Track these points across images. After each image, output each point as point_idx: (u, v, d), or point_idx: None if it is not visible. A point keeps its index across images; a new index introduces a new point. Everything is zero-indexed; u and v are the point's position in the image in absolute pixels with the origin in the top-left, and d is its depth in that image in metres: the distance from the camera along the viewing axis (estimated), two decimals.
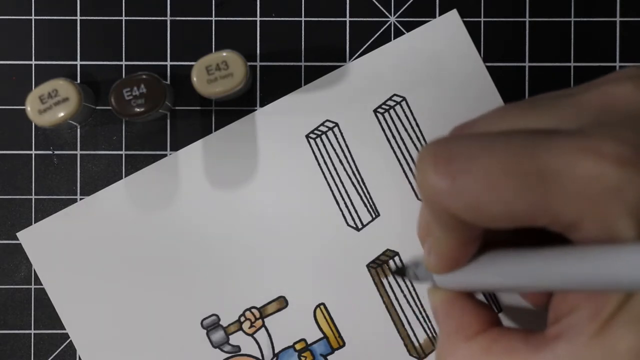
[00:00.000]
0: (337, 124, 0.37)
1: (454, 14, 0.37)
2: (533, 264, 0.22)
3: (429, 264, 0.26)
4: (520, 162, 0.20)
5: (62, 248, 0.36)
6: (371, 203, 0.37)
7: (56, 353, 0.36)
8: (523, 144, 0.21)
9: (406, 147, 0.37)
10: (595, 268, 0.19)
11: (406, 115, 0.37)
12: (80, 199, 0.37)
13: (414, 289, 0.36)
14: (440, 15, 0.37)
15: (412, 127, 0.37)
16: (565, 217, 0.20)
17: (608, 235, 0.20)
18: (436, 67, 0.37)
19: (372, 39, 0.37)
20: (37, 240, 0.36)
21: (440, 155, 0.22)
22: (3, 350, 0.36)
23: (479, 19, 0.37)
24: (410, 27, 0.37)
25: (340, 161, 0.37)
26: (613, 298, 0.20)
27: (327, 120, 0.37)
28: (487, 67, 0.37)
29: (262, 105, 0.37)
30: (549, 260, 0.21)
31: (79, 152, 0.37)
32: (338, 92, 0.37)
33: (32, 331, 0.36)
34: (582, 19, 0.37)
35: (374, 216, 0.37)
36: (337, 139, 0.37)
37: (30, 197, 0.37)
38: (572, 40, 0.37)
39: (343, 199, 0.37)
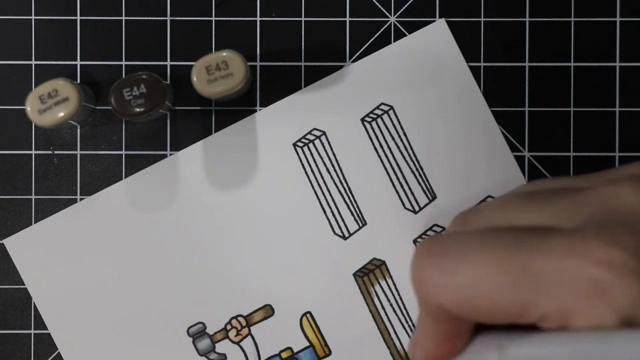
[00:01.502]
0: (324, 133, 0.37)
1: (441, 23, 0.37)
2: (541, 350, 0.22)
3: (414, 356, 0.26)
4: (510, 260, 0.21)
5: (47, 254, 0.36)
6: (358, 212, 0.37)
7: (56, 353, 0.36)
8: (514, 243, 0.21)
9: (393, 156, 0.37)
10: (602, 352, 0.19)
11: (393, 124, 0.37)
12: (81, 199, 0.37)
13: (401, 298, 0.36)
14: (440, 16, 0.37)
15: (399, 136, 0.37)
16: (555, 314, 0.21)
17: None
18: (423, 76, 0.37)
19: (372, 39, 0.37)
20: (24, 246, 0.36)
21: (435, 250, 0.23)
22: (3, 350, 0.36)
23: (479, 19, 0.37)
24: (410, 27, 0.37)
25: (327, 170, 0.37)
26: None
27: (314, 129, 0.37)
28: (487, 67, 0.37)
29: (262, 105, 0.37)
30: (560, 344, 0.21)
31: (79, 152, 0.37)
32: (325, 100, 0.37)
33: (32, 331, 0.36)
34: (582, 19, 0.37)
35: (360, 225, 0.37)
36: (324, 147, 0.37)
37: (30, 197, 0.37)
38: (572, 40, 0.37)
39: (330, 208, 0.37)
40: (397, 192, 0.37)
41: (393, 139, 0.37)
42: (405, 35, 0.37)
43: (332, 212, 0.37)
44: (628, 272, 0.19)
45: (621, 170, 0.24)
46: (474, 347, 0.24)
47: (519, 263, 0.21)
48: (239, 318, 0.36)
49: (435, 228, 0.37)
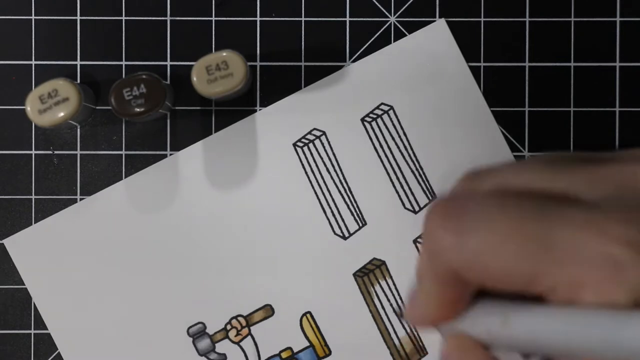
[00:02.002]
0: (324, 133, 0.37)
1: (441, 23, 0.37)
2: (537, 321, 0.21)
3: (412, 316, 0.26)
4: (527, 227, 0.21)
5: (47, 254, 0.36)
6: (358, 212, 0.37)
7: (56, 353, 0.36)
8: (533, 210, 0.21)
9: (393, 156, 0.37)
10: (603, 332, 0.19)
11: (393, 124, 0.37)
12: (81, 199, 0.37)
13: (401, 299, 0.36)
14: (440, 16, 0.37)
15: (399, 136, 0.37)
16: (564, 287, 0.20)
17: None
18: (423, 76, 0.37)
19: (372, 39, 0.37)
20: (24, 246, 0.36)
21: (451, 210, 0.22)
22: (3, 350, 0.36)
23: (479, 19, 0.37)
24: (410, 27, 0.37)
25: (327, 170, 0.37)
26: None
27: (314, 129, 0.37)
28: (487, 67, 0.37)
29: (262, 105, 0.37)
30: (558, 318, 0.21)
31: (79, 152, 0.37)
32: (325, 100, 0.37)
33: (32, 331, 0.36)
34: (582, 19, 0.37)
35: (360, 225, 0.37)
36: (324, 147, 0.37)
37: (30, 197, 0.37)
38: (572, 40, 0.37)
39: (330, 208, 0.37)
40: (397, 192, 0.37)
41: (393, 139, 0.37)
42: (405, 35, 0.37)
43: (332, 212, 0.37)
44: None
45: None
46: (475, 314, 0.24)
47: (537, 231, 0.21)
48: (239, 318, 0.36)
49: None
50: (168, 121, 0.37)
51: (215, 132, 0.37)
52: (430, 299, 0.25)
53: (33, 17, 0.37)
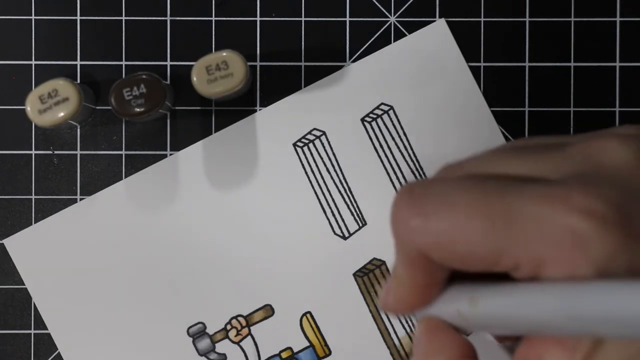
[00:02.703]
0: (324, 133, 0.37)
1: (441, 23, 0.37)
2: (505, 300, 0.21)
3: (386, 303, 0.26)
4: (489, 205, 0.21)
5: (47, 254, 0.36)
6: (358, 212, 0.37)
7: (56, 353, 0.36)
8: (495, 189, 0.21)
9: (393, 156, 0.37)
10: (574, 303, 0.19)
11: (393, 124, 0.37)
12: (81, 199, 0.37)
13: None
14: (440, 16, 0.37)
15: (399, 136, 0.37)
16: (528, 264, 0.20)
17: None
18: (423, 76, 0.37)
19: (372, 39, 0.37)
20: (24, 246, 0.36)
21: (416, 193, 0.23)
22: (3, 350, 0.36)
23: (479, 19, 0.37)
24: (410, 27, 0.37)
25: (327, 170, 0.37)
26: (583, 344, 0.20)
27: (314, 129, 0.37)
28: (487, 67, 0.37)
29: (262, 105, 0.37)
30: (520, 294, 0.21)
31: (79, 152, 0.37)
32: (325, 100, 0.37)
33: (32, 331, 0.36)
34: (582, 19, 0.37)
35: (360, 225, 0.37)
36: (324, 147, 0.37)
37: (30, 197, 0.37)
38: (572, 40, 0.37)
39: (330, 208, 0.37)
40: (397, 191, 0.37)
41: (393, 138, 0.37)
42: (405, 35, 0.37)
43: (332, 212, 0.37)
44: (608, 223, 0.19)
45: (609, 130, 0.23)
46: (446, 297, 0.24)
47: (498, 208, 0.21)
48: (239, 318, 0.36)
49: None
50: (168, 121, 0.37)
51: (215, 132, 0.37)
52: (402, 284, 0.24)
53: (33, 17, 0.37)
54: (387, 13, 0.37)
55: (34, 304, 0.36)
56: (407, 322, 0.36)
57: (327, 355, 0.36)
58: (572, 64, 0.37)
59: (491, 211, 0.21)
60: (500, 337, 0.29)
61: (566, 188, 0.20)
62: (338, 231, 0.37)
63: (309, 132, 0.37)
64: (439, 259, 0.22)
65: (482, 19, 0.37)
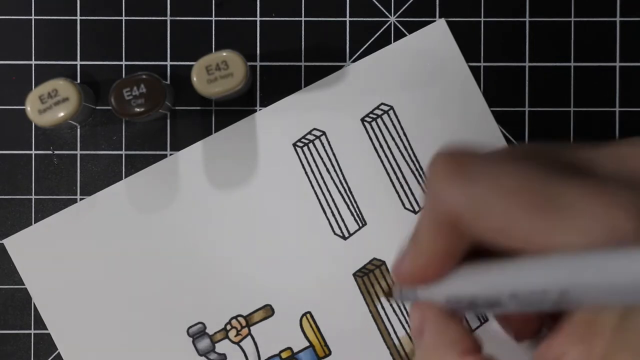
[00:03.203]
0: (324, 133, 0.37)
1: (441, 23, 0.37)
2: (521, 270, 0.21)
3: (399, 269, 0.25)
4: (536, 183, 0.21)
5: (47, 254, 0.36)
6: (358, 212, 0.37)
7: (56, 353, 0.36)
8: (544, 169, 0.21)
9: (393, 156, 0.37)
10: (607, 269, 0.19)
11: (393, 124, 0.37)
12: (81, 199, 0.37)
13: None
14: (440, 16, 0.37)
15: (399, 136, 0.37)
16: (564, 246, 0.20)
17: None
18: (423, 76, 0.37)
19: (372, 39, 0.37)
20: (24, 246, 0.36)
21: (462, 158, 0.22)
22: (3, 350, 0.36)
23: (479, 19, 0.37)
24: (410, 27, 0.37)
25: (327, 170, 0.37)
26: (600, 340, 0.20)
27: (314, 129, 0.37)
28: (487, 67, 0.37)
29: (262, 105, 0.37)
30: (544, 264, 0.21)
31: (79, 152, 0.37)
32: (325, 100, 0.37)
33: (32, 331, 0.36)
34: (582, 19, 0.37)
35: (360, 225, 0.37)
36: (324, 147, 0.37)
37: (30, 197, 0.37)
38: (572, 40, 0.37)
39: (330, 208, 0.37)
40: (397, 192, 0.37)
41: (393, 139, 0.37)
42: (405, 35, 0.37)
43: (332, 212, 0.37)
44: None
45: (637, 138, 0.24)
46: (459, 275, 0.24)
47: (546, 191, 0.21)
48: (239, 318, 0.36)
49: None
50: (168, 121, 0.37)
51: (215, 132, 0.37)
52: (421, 250, 0.24)
53: (33, 17, 0.37)
54: (387, 13, 0.37)
55: (34, 304, 0.36)
56: (407, 322, 0.36)
57: (327, 355, 0.36)
58: (572, 64, 0.37)
59: (537, 192, 0.21)
60: (519, 337, 0.29)
61: (612, 187, 0.20)
62: (338, 231, 0.37)
63: (309, 132, 0.37)
64: (470, 227, 0.22)
65: (482, 19, 0.37)
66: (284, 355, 0.36)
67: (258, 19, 0.37)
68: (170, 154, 0.37)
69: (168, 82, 0.37)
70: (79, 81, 0.37)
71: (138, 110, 0.34)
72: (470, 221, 0.22)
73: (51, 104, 0.34)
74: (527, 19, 0.37)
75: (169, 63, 0.37)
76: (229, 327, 0.36)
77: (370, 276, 0.36)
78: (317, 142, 0.37)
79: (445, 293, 0.24)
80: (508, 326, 0.30)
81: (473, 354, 0.24)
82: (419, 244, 0.24)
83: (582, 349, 0.21)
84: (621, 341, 0.20)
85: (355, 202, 0.37)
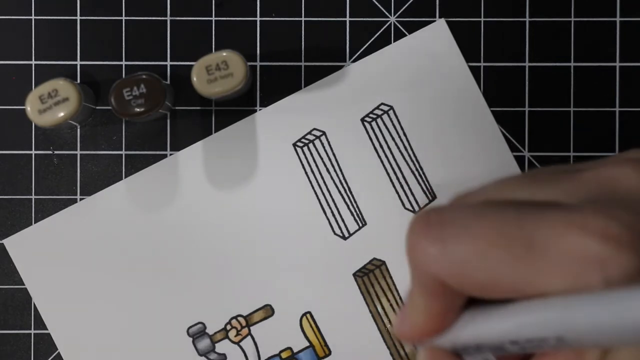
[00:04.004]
0: (324, 133, 0.37)
1: (441, 23, 0.37)
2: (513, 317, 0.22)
3: (402, 331, 0.25)
4: (509, 232, 0.21)
5: (47, 254, 0.36)
6: (358, 212, 0.37)
7: (56, 353, 0.36)
8: (513, 215, 0.21)
9: (393, 156, 0.37)
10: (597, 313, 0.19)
11: (393, 124, 0.37)
12: (81, 199, 0.37)
13: (400, 298, 0.36)
14: (440, 16, 0.37)
15: (399, 136, 0.37)
16: (550, 290, 0.20)
17: None
18: (423, 76, 0.37)
19: (372, 39, 0.37)
20: (24, 246, 0.36)
21: (433, 220, 0.22)
22: (3, 350, 0.36)
23: (479, 19, 0.37)
24: (410, 27, 0.37)
25: (327, 170, 0.37)
26: (591, 354, 0.20)
27: (314, 129, 0.37)
28: (487, 67, 0.37)
29: (262, 105, 0.37)
30: (534, 309, 0.21)
31: (79, 152, 0.37)
32: (325, 100, 0.37)
33: (32, 331, 0.36)
34: (582, 19, 0.37)
35: (360, 225, 0.37)
36: (324, 147, 0.37)
37: (30, 197, 0.37)
38: (572, 40, 0.37)
39: (330, 208, 0.37)
40: (397, 192, 0.37)
41: (393, 139, 0.37)
42: (405, 35, 0.37)
43: (332, 212, 0.37)
44: (622, 245, 0.20)
45: (622, 155, 0.24)
46: (462, 323, 0.24)
47: (518, 236, 0.21)
48: (239, 318, 0.36)
49: None
50: (168, 121, 0.37)
51: (215, 132, 0.37)
52: (418, 312, 0.24)
53: (33, 17, 0.37)
54: (387, 13, 0.37)
55: (34, 304, 0.36)
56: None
57: (327, 355, 0.36)
58: (572, 64, 0.37)
59: (510, 238, 0.21)
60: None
61: (582, 212, 0.20)
62: (338, 231, 0.37)
63: (309, 132, 0.37)
64: (458, 287, 0.22)
65: (482, 19, 0.37)
66: (284, 355, 0.36)
67: (258, 19, 0.37)
68: (170, 154, 0.37)
69: (168, 82, 0.37)
70: (79, 81, 0.37)
71: (138, 110, 0.34)
72: (456, 282, 0.22)
73: (51, 104, 0.34)
74: (527, 19, 0.37)
75: (169, 63, 0.37)
76: (229, 327, 0.36)
77: (370, 276, 0.36)
78: (317, 142, 0.37)
79: (449, 341, 0.24)
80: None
81: None
82: (415, 306, 0.24)
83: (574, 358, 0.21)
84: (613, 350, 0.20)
85: (355, 202, 0.37)
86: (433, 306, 0.24)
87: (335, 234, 0.36)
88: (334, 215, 0.37)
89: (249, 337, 0.36)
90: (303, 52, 0.37)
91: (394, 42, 0.37)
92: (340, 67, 0.37)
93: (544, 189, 0.23)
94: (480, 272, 0.21)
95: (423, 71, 0.37)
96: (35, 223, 0.36)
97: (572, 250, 0.20)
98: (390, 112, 0.37)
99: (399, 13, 0.37)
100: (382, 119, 0.37)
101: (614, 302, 0.18)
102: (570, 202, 0.22)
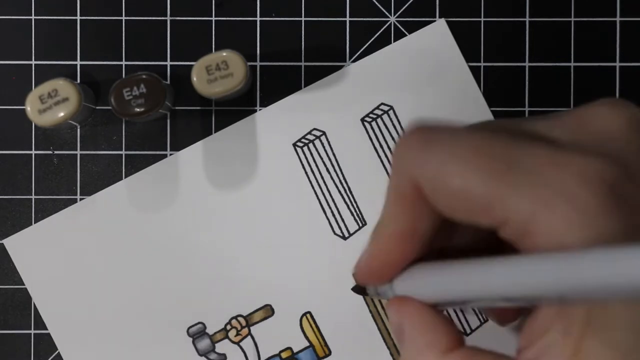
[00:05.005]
0: (324, 133, 0.37)
1: (441, 23, 0.37)
2: (488, 272, 0.21)
3: (360, 264, 0.26)
4: (494, 148, 0.21)
5: (47, 254, 0.36)
6: (358, 212, 0.37)
7: (56, 353, 0.36)
8: (504, 138, 0.22)
9: None
10: (558, 272, 0.19)
11: (393, 124, 0.37)
12: (81, 199, 0.37)
13: None
14: (440, 16, 0.37)
15: (400, 136, 0.37)
16: (518, 220, 0.21)
17: (557, 244, 0.20)
18: (423, 76, 0.37)
19: (372, 39, 0.37)
20: (24, 246, 0.36)
21: (427, 129, 0.23)
22: (3, 350, 0.36)
23: (479, 19, 0.37)
24: (410, 27, 0.37)
25: (327, 170, 0.37)
26: (579, 314, 0.20)
27: (314, 129, 0.37)
28: (487, 67, 0.37)
29: (262, 105, 0.37)
30: (506, 265, 0.21)
31: (79, 152, 0.37)
32: (325, 100, 0.37)
33: (32, 331, 0.36)
34: (582, 19, 0.37)
35: (360, 225, 0.37)
36: (324, 147, 0.37)
37: (30, 197, 0.37)
38: (572, 40, 0.37)
39: (330, 208, 0.37)
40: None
41: (393, 139, 0.37)
42: (405, 35, 0.37)
43: (332, 212, 0.37)
44: (606, 193, 0.20)
45: (595, 101, 0.24)
46: (423, 270, 0.24)
47: (503, 156, 0.21)
48: (239, 318, 0.36)
49: None
50: (168, 121, 0.37)
51: (215, 132, 0.37)
52: (387, 223, 0.24)
53: (33, 17, 0.37)
54: (387, 13, 0.37)
55: (34, 304, 0.36)
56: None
57: (327, 355, 0.36)
58: (572, 64, 0.37)
59: (496, 157, 0.21)
60: (502, 320, 0.29)
61: (569, 154, 0.21)
62: (338, 231, 0.37)
63: (309, 132, 0.37)
64: (431, 193, 0.22)
65: (482, 19, 0.37)
66: (284, 355, 0.36)
67: (258, 19, 0.37)
68: (170, 154, 0.37)
69: (168, 82, 0.37)
70: (79, 81, 0.37)
71: (138, 110, 0.34)
72: (430, 189, 0.22)
73: (51, 104, 0.34)
74: (527, 19, 0.37)
75: (169, 63, 0.37)
76: (229, 327, 0.36)
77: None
78: (317, 142, 0.37)
79: (434, 294, 0.24)
80: (491, 312, 0.30)
81: (456, 349, 0.24)
82: (383, 220, 0.25)
83: (564, 324, 0.21)
84: (594, 320, 0.20)
85: (355, 202, 0.37)
86: (401, 219, 0.24)
87: (335, 234, 0.36)
88: (334, 215, 0.37)
89: (249, 337, 0.36)
90: (303, 52, 0.37)
91: (394, 42, 0.37)
92: (340, 67, 0.37)
93: (528, 123, 0.23)
94: (457, 179, 0.21)
95: (423, 71, 0.37)
96: (35, 223, 0.36)
97: (554, 187, 0.20)
98: (390, 112, 0.37)
99: (399, 13, 0.37)
100: (382, 119, 0.37)
101: (621, 258, 0.18)
102: (552, 136, 0.22)
